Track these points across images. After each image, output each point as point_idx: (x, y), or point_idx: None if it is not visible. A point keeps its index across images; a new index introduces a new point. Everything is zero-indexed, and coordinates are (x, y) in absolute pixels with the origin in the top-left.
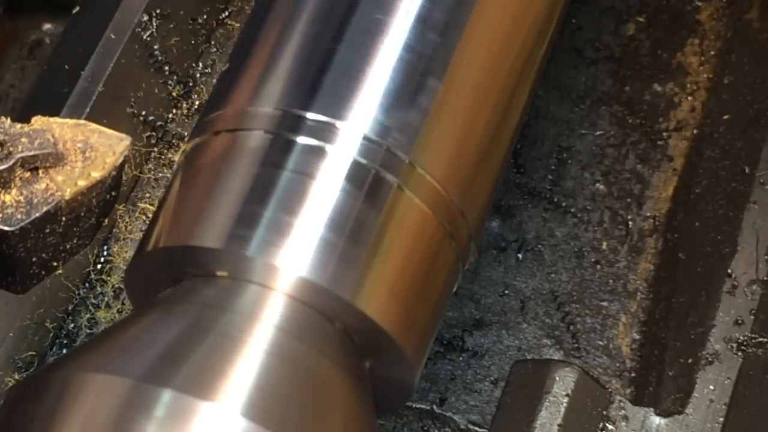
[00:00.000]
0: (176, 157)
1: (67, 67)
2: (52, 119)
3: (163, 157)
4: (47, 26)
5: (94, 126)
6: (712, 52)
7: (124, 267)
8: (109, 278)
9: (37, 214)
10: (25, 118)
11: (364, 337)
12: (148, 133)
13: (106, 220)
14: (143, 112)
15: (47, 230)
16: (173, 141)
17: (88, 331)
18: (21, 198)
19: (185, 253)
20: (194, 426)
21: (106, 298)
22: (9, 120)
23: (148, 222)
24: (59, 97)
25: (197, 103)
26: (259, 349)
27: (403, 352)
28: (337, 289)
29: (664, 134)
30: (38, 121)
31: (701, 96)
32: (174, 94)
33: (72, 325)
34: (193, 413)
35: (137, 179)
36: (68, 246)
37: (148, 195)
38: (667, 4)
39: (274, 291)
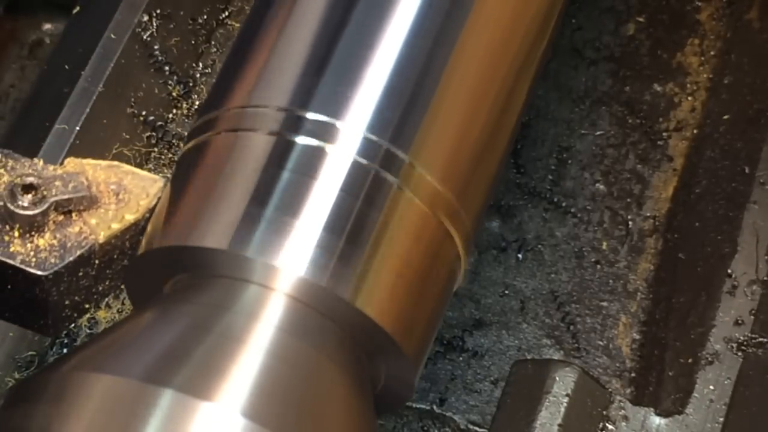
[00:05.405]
0: (176, 158)
1: (67, 67)
2: (85, 161)
3: (163, 157)
4: (47, 26)
5: (127, 167)
6: (712, 52)
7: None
8: None
9: (71, 258)
10: (25, 118)
11: (364, 337)
12: (148, 133)
13: None
14: (143, 112)
15: (80, 273)
16: (173, 141)
17: (88, 331)
18: (54, 242)
19: (185, 253)
20: (194, 426)
21: (106, 299)
22: (41, 162)
23: None
24: (59, 97)
25: (197, 103)
26: (260, 349)
27: (403, 352)
28: (337, 289)
29: (664, 134)
30: (71, 163)
31: (701, 96)
32: (174, 94)
33: (72, 325)
34: (193, 413)
35: None
36: (101, 288)
37: None
38: (667, 4)
39: (275, 291)
